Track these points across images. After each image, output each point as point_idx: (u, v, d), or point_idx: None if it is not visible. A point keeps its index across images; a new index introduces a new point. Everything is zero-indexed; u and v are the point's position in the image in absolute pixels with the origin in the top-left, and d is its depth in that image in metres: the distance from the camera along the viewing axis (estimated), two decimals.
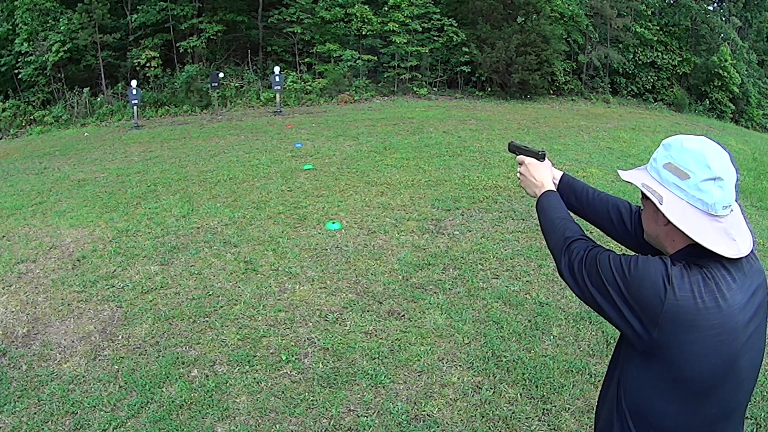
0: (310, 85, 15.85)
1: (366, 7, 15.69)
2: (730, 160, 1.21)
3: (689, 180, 1.19)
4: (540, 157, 1.59)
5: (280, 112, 13.59)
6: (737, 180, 1.22)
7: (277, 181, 6.98)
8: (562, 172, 1.65)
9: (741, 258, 1.19)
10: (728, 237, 1.18)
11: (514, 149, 1.70)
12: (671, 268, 1.16)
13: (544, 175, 1.57)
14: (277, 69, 13.71)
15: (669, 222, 1.20)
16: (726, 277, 1.18)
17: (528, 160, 1.61)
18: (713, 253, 1.16)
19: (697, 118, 18.90)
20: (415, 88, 16.15)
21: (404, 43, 15.41)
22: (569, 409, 2.84)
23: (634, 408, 1.26)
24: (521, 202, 6.00)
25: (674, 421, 1.22)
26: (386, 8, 15.67)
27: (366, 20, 15.57)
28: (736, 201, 1.24)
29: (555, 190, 1.56)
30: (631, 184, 1.29)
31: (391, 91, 16.36)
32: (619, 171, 1.38)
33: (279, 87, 13.73)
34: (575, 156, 8.83)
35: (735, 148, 11.43)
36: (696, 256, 1.20)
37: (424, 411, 2.85)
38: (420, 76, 16.38)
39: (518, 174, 1.65)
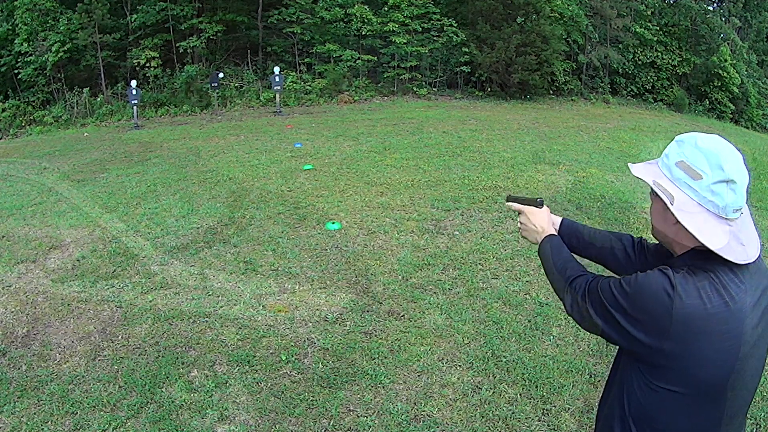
0: (309, 86, 15.90)
1: (366, 7, 15.70)
2: (743, 161, 1.18)
3: (702, 181, 1.16)
4: (538, 204, 1.61)
5: (280, 112, 13.62)
6: (749, 183, 1.19)
7: (277, 181, 6.98)
8: (561, 218, 1.67)
9: None
10: (738, 242, 1.16)
11: (513, 200, 1.70)
12: (674, 276, 1.14)
13: (544, 221, 1.58)
14: (276, 69, 13.72)
15: (678, 221, 1.18)
16: (734, 280, 1.16)
17: (526, 208, 1.62)
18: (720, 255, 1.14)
19: (696, 118, 18.92)
20: (414, 89, 16.17)
21: (404, 43, 15.42)
22: (569, 409, 2.84)
23: (638, 415, 1.26)
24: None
25: (680, 425, 1.21)
26: (386, 8, 15.69)
27: (366, 20, 15.57)
28: (746, 203, 1.21)
29: (555, 234, 1.57)
30: (643, 180, 1.28)
31: (390, 91, 16.37)
32: (629, 165, 1.35)
33: (279, 87, 13.74)
34: (575, 156, 8.83)
35: None
36: (702, 258, 1.18)
37: (423, 411, 2.85)
38: (420, 76, 16.41)
39: (519, 224, 1.65)
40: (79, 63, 16.00)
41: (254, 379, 3.10)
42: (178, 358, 3.31)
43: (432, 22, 15.99)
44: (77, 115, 15.47)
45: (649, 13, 19.75)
